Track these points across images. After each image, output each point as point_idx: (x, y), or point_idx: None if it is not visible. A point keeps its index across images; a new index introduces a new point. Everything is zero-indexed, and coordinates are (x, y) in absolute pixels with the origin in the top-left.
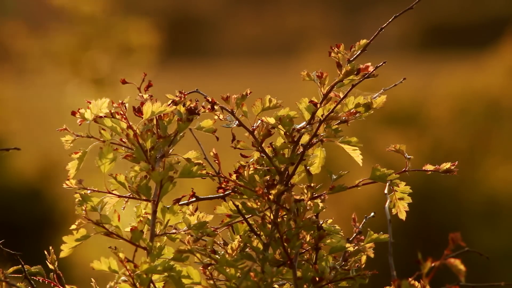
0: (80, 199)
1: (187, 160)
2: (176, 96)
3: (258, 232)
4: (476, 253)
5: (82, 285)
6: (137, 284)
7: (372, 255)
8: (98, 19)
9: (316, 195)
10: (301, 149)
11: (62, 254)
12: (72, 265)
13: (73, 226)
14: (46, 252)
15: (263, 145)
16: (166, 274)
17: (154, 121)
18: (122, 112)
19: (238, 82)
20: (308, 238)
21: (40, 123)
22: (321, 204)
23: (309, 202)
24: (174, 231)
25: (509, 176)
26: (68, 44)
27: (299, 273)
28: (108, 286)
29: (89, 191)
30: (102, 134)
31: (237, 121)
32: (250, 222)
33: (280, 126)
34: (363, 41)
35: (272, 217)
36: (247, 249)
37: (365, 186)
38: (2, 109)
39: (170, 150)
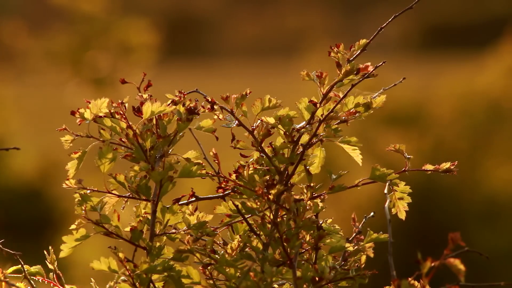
0: (80, 199)
1: (186, 160)
2: (176, 96)
3: (258, 232)
4: (476, 253)
5: (82, 285)
6: (137, 284)
7: (371, 255)
8: (98, 18)
9: (315, 195)
10: (300, 149)
11: (61, 254)
12: (72, 265)
13: (73, 226)
14: (46, 252)
15: (262, 145)
16: (165, 274)
17: (154, 121)
18: (121, 112)
19: (238, 82)
20: (307, 238)
21: (40, 123)
22: (320, 204)
23: (308, 202)
24: (173, 231)
25: (510, 177)
26: (68, 43)
27: (298, 273)
28: (107, 286)
29: (88, 191)
30: (101, 134)
31: (236, 121)
32: (250, 222)
33: (279, 126)
34: (363, 41)
35: (271, 217)
36: (246, 249)
37: (365, 186)
38: (2, 109)
39: (170, 150)
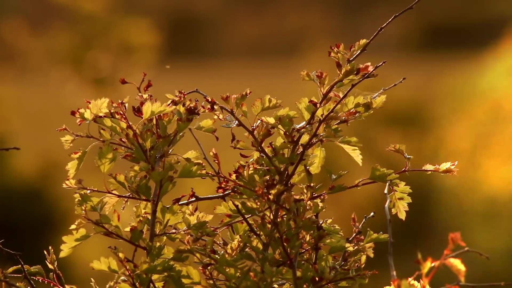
0: (80, 199)
1: (186, 160)
2: (176, 96)
3: (258, 232)
4: (476, 253)
5: (82, 285)
6: (137, 284)
7: (372, 255)
8: (99, 18)
9: (315, 195)
10: (300, 149)
11: (61, 254)
12: (72, 265)
13: (73, 226)
14: (45, 252)
15: (262, 145)
16: (165, 274)
17: (154, 121)
18: (121, 112)
19: (238, 82)
20: (308, 238)
21: (40, 123)
22: (320, 204)
23: (308, 202)
24: (173, 231)
25: (509, 176)
26: (69, 43)
27: (299, 273)
28: (107, 286)
29: (88, 191)
30: (101, 134)
31: (236, 121)
32: (250, 222)
33: (279, 126)
34: (363, 41)
35: (271, 217)
36: (246, 249)
37: (365, 186)
38: (2, 108)
39: (170, 150)
